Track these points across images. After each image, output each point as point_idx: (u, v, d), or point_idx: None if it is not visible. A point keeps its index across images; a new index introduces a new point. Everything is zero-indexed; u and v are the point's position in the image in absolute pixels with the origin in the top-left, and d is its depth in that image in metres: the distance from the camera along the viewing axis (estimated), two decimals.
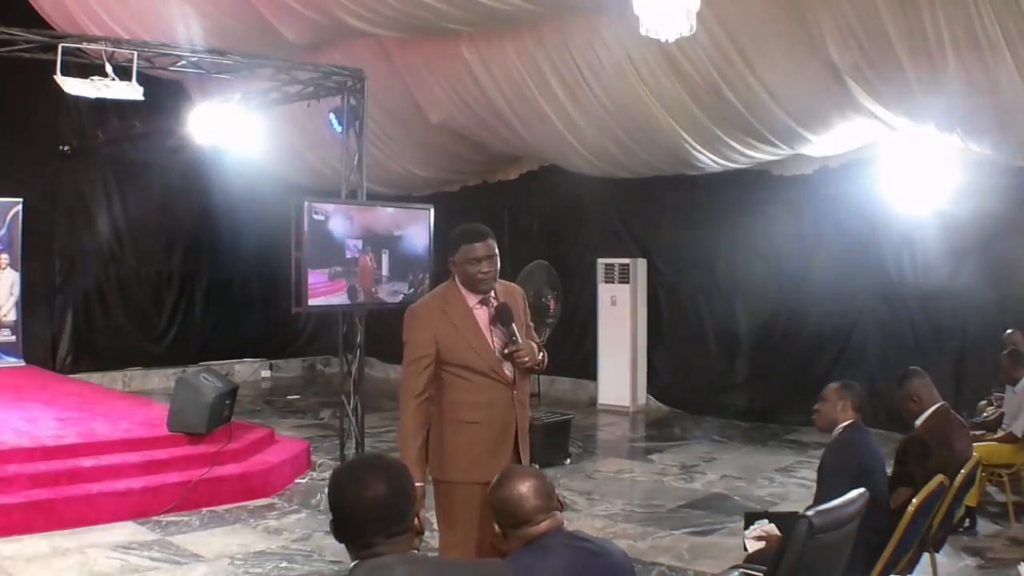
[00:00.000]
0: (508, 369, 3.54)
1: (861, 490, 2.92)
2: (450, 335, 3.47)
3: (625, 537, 5.76)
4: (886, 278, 8.93)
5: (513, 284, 3.75)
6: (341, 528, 2.10)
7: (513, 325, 3.50)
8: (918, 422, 4.53)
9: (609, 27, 7.68)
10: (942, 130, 7.30)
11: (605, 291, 10.69)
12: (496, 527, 2.56)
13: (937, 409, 4.53)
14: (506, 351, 3.51)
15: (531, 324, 3.77)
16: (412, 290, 7.89)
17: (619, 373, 10.56)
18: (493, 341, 3.52)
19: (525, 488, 2.50)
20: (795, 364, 9.49)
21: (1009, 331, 6.92)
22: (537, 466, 7.65)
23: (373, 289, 7.75)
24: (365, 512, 2.05)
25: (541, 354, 3.61)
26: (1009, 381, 6.19)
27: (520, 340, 3.51)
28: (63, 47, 7.01)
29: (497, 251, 3.53)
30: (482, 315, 3.54)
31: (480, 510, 3.36)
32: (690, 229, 10.31)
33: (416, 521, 2.12)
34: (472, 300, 3.53)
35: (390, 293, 7.88)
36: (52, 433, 6.86)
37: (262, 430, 7.75)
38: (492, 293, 3.56)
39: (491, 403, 3.50)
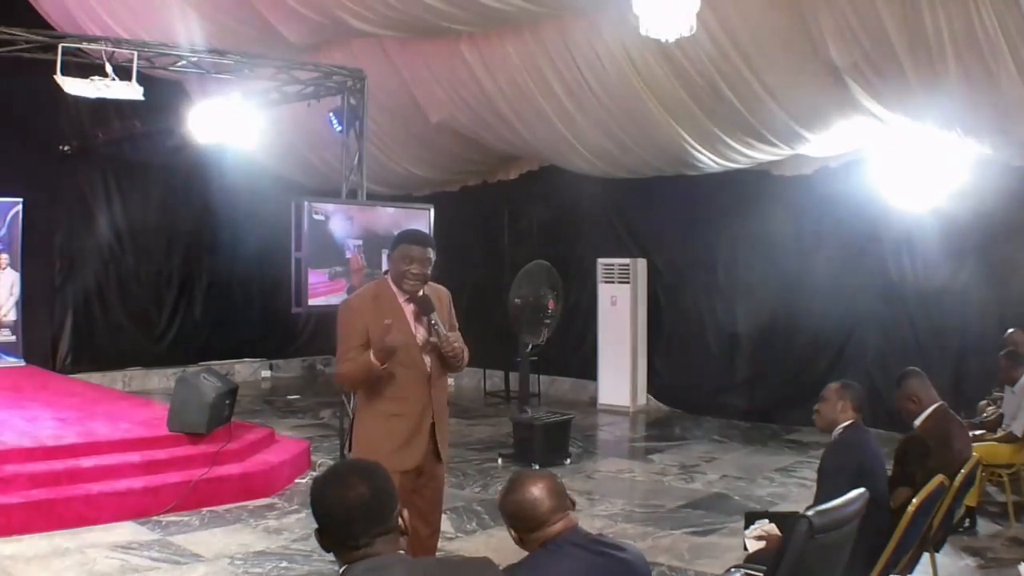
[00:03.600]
0: (428, 364, 3.86)
1: (861, 490, 2.92)
2: (379, 325, 3.69)
3: (625, 537, 5.74)
4: (886, 278, 8.93)
5: (441, 287, 4.04)
6: (327, 532, 2.11)
7: (435, 315, 3.80)
8: (917, 422, 4.53)
9: (609, 27, 7.68)
10: (942, 130, 7.30)
11: (605, 291, 10.69)
12: (512, 532, 2.56)
13: (936, 409, 4.54)
14: (431, 338, 3.83)
15: (456, 324, 4.04)
16: None
17: (619, 373, 10.56)
18: (418, 334, 3.84)
19: (538, 490, 2.50)
20: (795, 364, 9.49)
21: (1010, 330, 6.91)
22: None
23: None
24: (350, 513, 2.06)
25: (464, 351, 3.89)
26: (1008, 381, 6.19)
27: (443, 329, 3.82)
28: (63, 47, 7.02)
29: (432, 260, 3.85)
30: (409, 310, 3.86)
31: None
32: (690, 229, 10.31)
33: (400, 521, 2.13)
34: (401, 296, 3.84)
35: None
36: (52, 433, 6.85)
37: (262, 430, 7.74)
38: (419, 292, 3.84)
39: (409, 396, 3.81)
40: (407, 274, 3.79)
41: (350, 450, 3.95)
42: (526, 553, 2.53)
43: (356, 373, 3.78)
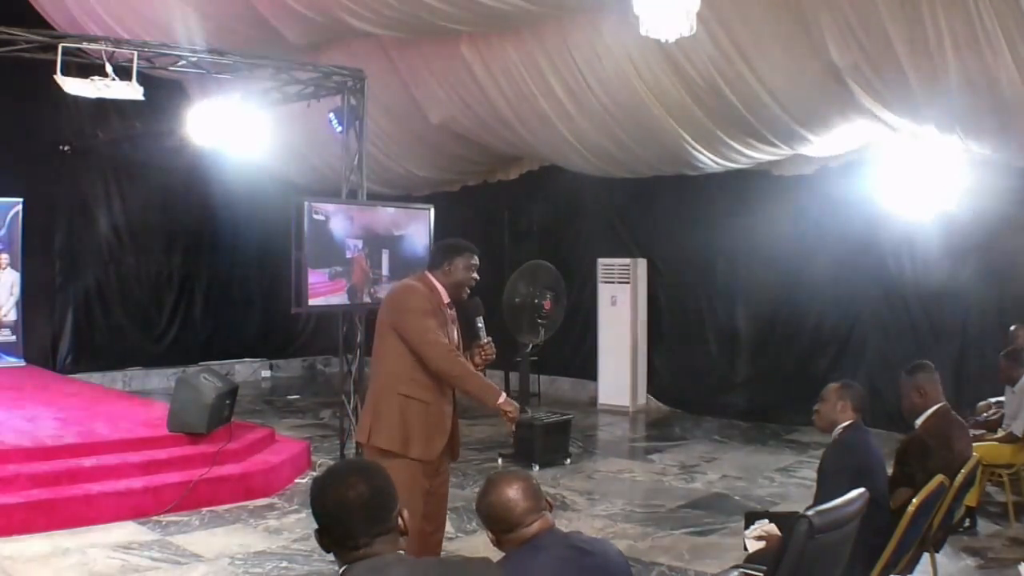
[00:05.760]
0: None
1: (861, 490, 2.92)
2: (435, 318, 3.90)
3: (625, 537, 5.76)
4: (886, 278, 8.93)
5: None
6: (327, 532, 2.11)
7: (481, 318, 4.06)
8: (918, 421, 4.51)
9: (609, 27, 7.68)
10: (942, 130, 7.29)
11: (605, 291, 10.69)
12: (489, 533, 2.56)
13: (938, 409, 4.51)
14: (484, 341, 4.05)
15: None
16: None
17: (619, 373, 10.56)
18: (454, 336, 4.01)
19: (513, 491, 2.50)
20: (795, 364, 9.49)
21: (1013, 327, 6.90)
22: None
23: (373, 289, 7.76)
24: (349, 512, 2.06)
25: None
26: (1008, 381, 6.18)
27: (485, 335, 4.05)
28: (63, 47, 7.01)
29: None
30: (448, 313, 4.00)
31: (415, 487, 3.78)
32: (690, 229, 10.30)
33: (400, 521, 2.13)
34: (445, 298, 3.99)
35: None
36: (52, 433, 6.86)
37: (262, 430, 7.75)
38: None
39: (439, 388, 3.92)
40: (469, 280, 4.00)
41: (368, 437, 3.92)
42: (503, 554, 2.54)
43: (477, 384, 3.86)
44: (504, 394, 3.91)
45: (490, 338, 4.08)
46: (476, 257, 4.04)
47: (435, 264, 4.01)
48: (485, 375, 4.07)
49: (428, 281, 3.98)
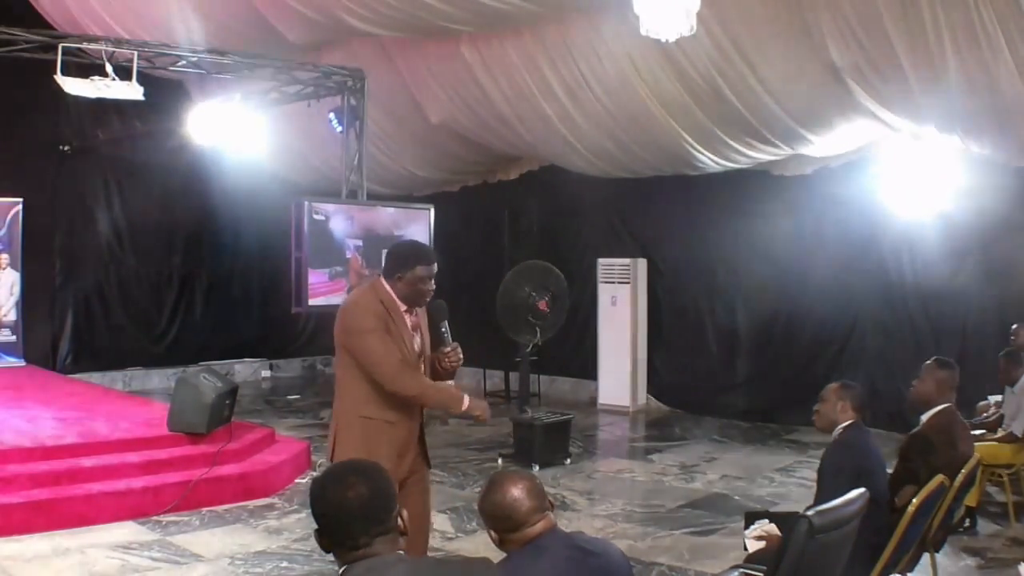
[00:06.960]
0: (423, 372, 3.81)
1: (861, 490, 2.92)
2: (389, 331, 3.67)
3: (625, 537, 5.75)
4: (886, 278, 8.93)
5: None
6: (327, 532, 2.11)
7: (446, 323, 3.81)
8: (924, 417, 4.50)
9: (609, 27, 7.68)
10: (942, 130, 7.30)
11: (605, 291, 10.69)
12: (492, 533, 2.56)
13: (945, 408, 4.50)
14: (449, 348, 3.80)
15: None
16: None
17: (619, 373, 10.56)
18: (415, 343, 3.77)
19: (518, 491, 2.48)
20: (795, 364, 9.49)
21: (1015, 326, 6.90)
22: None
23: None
24: (349, 512, 2.06)
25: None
26: (1007, 381, 6.18)
27: (450, 339, 3.82)
28: (63, 47, 7.03)
29: None
30: (408, 319, 3.76)
31: None
32: (690, 229, 10.31)
33: (400, 521, 2.13)
34: (402, 305, 3.73)
35: None
36: (52, 433, 6.85)
37: (262, 430, 7.75)
38: None
39: (404, 404, 3.72)
40: (426, 293, 3.70)
41: (332, 459, 3.81)
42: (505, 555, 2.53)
43: (437, 398, 3.76)
44: (467, 398, 3.72)
45: (456, 343, 3.82)
46: (434, 265, 3.69)
47: (388, 273, 3.72)
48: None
49: (381, 289, 3.71)
